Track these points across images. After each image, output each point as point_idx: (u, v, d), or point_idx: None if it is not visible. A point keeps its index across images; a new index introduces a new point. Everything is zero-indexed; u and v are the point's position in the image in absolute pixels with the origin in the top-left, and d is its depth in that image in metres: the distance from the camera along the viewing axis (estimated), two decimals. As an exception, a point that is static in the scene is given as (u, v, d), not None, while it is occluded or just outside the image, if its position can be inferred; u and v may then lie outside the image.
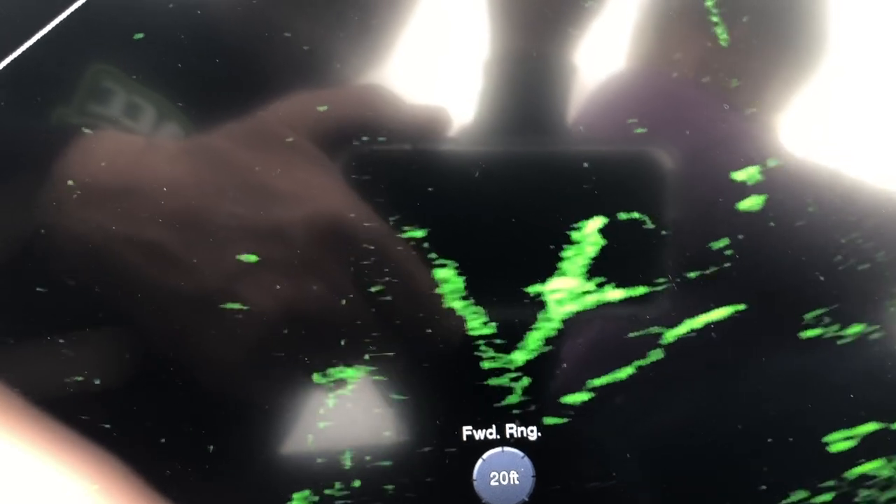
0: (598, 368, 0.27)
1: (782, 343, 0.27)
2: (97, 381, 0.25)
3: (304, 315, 0.26)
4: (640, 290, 0.27)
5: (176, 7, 0.26)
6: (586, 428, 0.27)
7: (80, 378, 0.25)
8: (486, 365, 0.27)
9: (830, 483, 0.28)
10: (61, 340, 0.25)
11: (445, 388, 0.27)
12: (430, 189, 0.26)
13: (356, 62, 0.26)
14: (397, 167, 0.26)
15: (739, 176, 0.27)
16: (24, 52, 0.25)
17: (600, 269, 0.27)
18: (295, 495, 0.26)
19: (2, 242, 0.25)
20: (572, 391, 0.27)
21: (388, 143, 0.26)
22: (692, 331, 0.27)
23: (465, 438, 0.27)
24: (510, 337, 0.27)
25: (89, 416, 0.25)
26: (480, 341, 0.27)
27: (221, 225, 0.25)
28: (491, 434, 0.27)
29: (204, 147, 0.25)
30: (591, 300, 0.27)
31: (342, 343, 0.26)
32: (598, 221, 0.27)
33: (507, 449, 0.27)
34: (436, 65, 0.27)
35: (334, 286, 0.26)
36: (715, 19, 0.27)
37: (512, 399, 0.27)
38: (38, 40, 0.25)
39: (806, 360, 0.27)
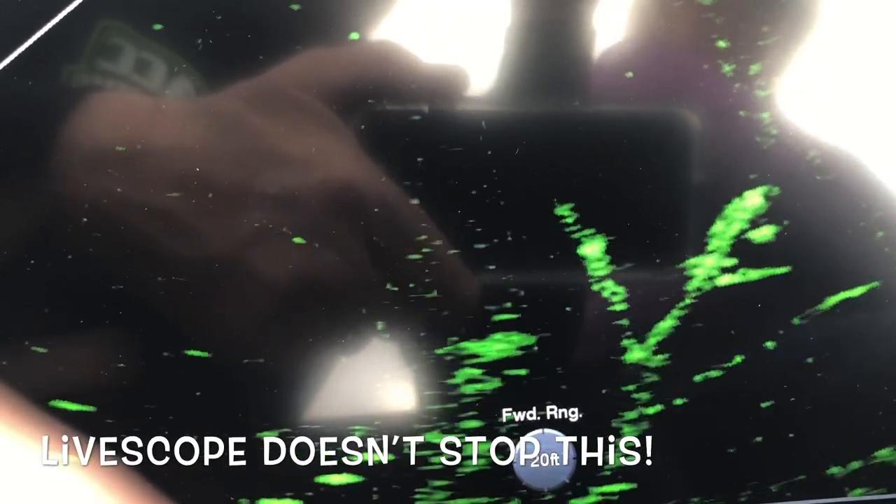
0: (732, 346, 0.27)
1: None
2: (113, 352, 0.25)
3: (321, 283, 0.25)
4: (782, 270, 0.27)
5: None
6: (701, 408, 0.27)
7: (94, 349, 0.25)
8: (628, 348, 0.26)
9: None
10: (72, 311, 0.25)
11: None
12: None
13: (371, 19, 0.25)
14: (411, 129, 0.25)
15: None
16: (28, 12, 0.23)
17: (743, 246, 0.27)
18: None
19: (10, 214, 0.24)
20: (706, 370, 0.27)
21: (405, 104, 0.25)
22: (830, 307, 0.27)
23: (504, 419, 0.26)
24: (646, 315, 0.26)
25: (106, 386, 0.25)
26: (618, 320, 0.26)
27: (231, 191, 0.25)
28: (531, 416, 0.26)
29: (212, 110, 0.25)
30: (729, 279, 0.27)
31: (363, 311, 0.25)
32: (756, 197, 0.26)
33: (546, 430, 0.26)
34: (456, 20, 0.25)
35: (348, 253, 0.25)
36: None
37: (647, 379, 0.27)
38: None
39: None
